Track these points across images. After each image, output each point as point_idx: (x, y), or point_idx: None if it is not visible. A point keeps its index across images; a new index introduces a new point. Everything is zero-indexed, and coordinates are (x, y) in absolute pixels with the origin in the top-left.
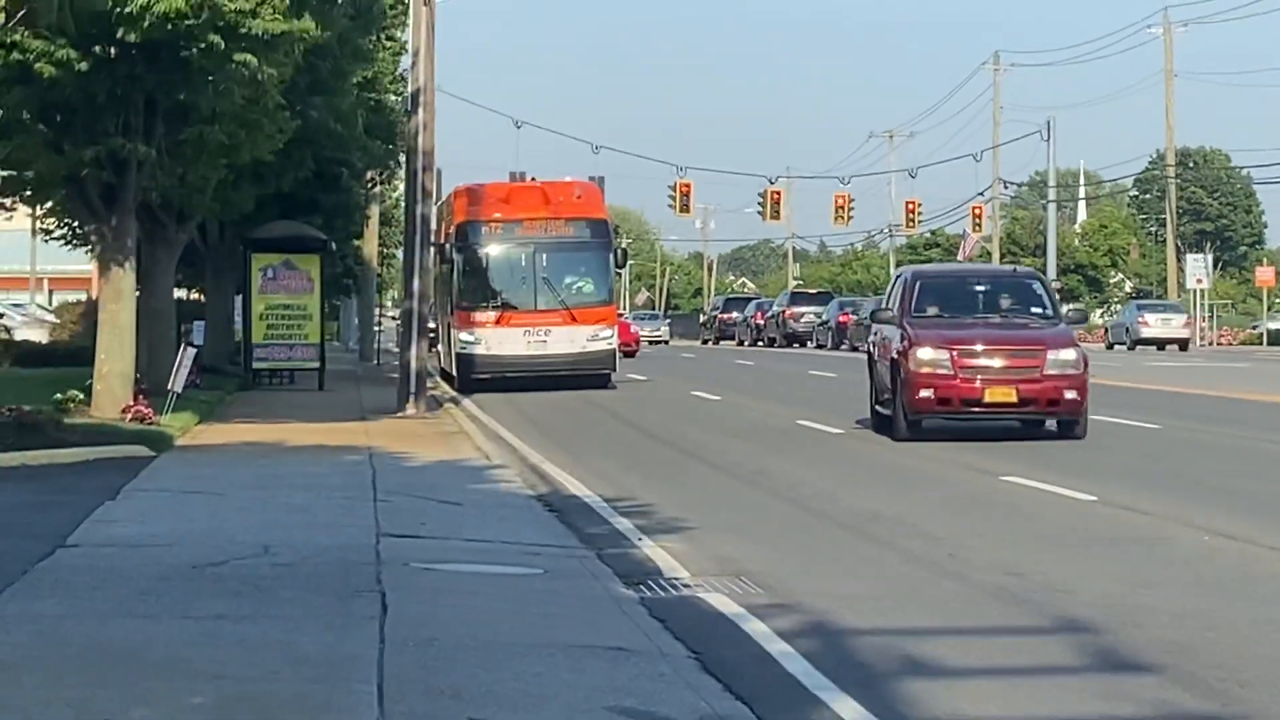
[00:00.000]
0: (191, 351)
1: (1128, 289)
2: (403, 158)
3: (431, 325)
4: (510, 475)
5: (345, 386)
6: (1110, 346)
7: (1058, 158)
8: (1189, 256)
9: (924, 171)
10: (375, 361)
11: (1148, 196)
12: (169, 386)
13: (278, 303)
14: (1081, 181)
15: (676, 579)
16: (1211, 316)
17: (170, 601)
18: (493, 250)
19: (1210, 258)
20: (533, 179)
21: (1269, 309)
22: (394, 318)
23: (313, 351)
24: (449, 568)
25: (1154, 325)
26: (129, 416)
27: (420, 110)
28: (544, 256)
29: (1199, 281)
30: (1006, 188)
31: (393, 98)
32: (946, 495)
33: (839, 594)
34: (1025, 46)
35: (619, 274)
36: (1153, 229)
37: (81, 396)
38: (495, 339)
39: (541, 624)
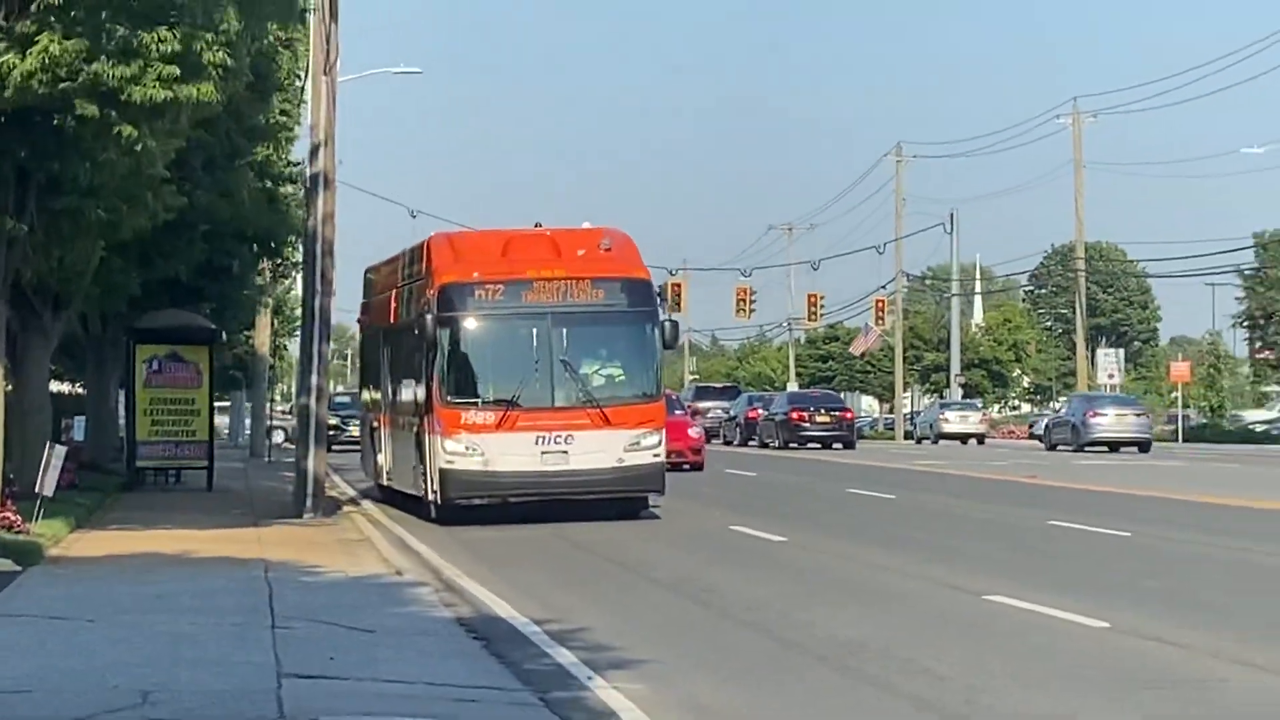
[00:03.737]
0: (62, 450)
1: (1025, 385)
2: (299, 245)
3: (374, 424)
4: (425, 593)
5: (236, 487)
6: (1053, 447)
7: (960, 251)
8: (1101, 351)
9: (827, 264)
10: (267, 459)
11: (1043, 291)
12: (36, 489)
13: (164, 397)
14: (978, 276)
15: None
16: None
17: None
18: (491, 323)
19: (1121, 353)
20: (538, 224)
21: (1184, 403)
22: (285, 413)
23: (201, 449)
24: None
25: (1109, 421)
26: None
27: (321, 190)
28: (563, 332)
29: (1111, 376)
30: (910, 280)
31: (289, 186)
32: (928, 617)
33: None
34: (929, 138)
35: (667, 354)
36: (1048, 324)
37: None
38: (496, 449)
39: None
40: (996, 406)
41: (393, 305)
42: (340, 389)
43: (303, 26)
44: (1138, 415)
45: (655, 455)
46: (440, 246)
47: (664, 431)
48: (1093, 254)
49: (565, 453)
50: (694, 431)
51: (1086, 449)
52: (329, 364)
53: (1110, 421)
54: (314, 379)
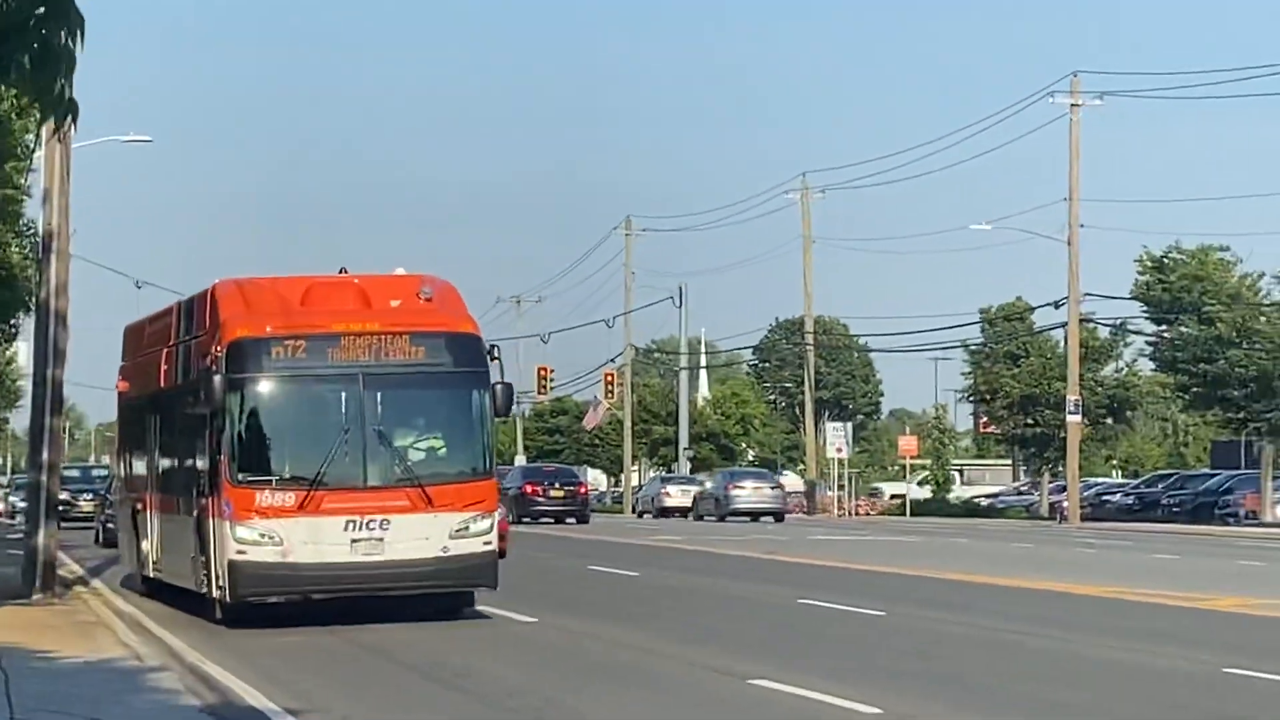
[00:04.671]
0: None
1: (750, 458)
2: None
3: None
4: (169, 680)
5: None
6: (700, 518)
7: (690, 324)
8: (829, 425)
9: (557, 337)
10: None
11: (767, 365)
12: None
13: None
14: (703, 349)
15: None
16: (851, 484)
17: None
18: (290, 386)
19: (850, 426)
20: (342, 270)
21: (908, 476)
22: (4, 486)
23: None
24: None
25: (747, 493)
26: None
27: (53, 260)
28: (377, 396)
29: (839, 450)
30: (639, 353)
31: (17, 255)
32: (698, 703)
33: None
34: (659, 211)
35: (501, 423)
36: (772, 397)
37: None
38: (297, 536)
39: None
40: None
41: (163, 367)
42: (69, 462)
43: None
44: (772, 488)
45: (486, 543)
46: (228, 295)
47: (496, 515)
48: (817, 328)
49: (380, 540)
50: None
51: (728, 518)
52: (62, 437)
53: (748, 494)
54: (44, 453)
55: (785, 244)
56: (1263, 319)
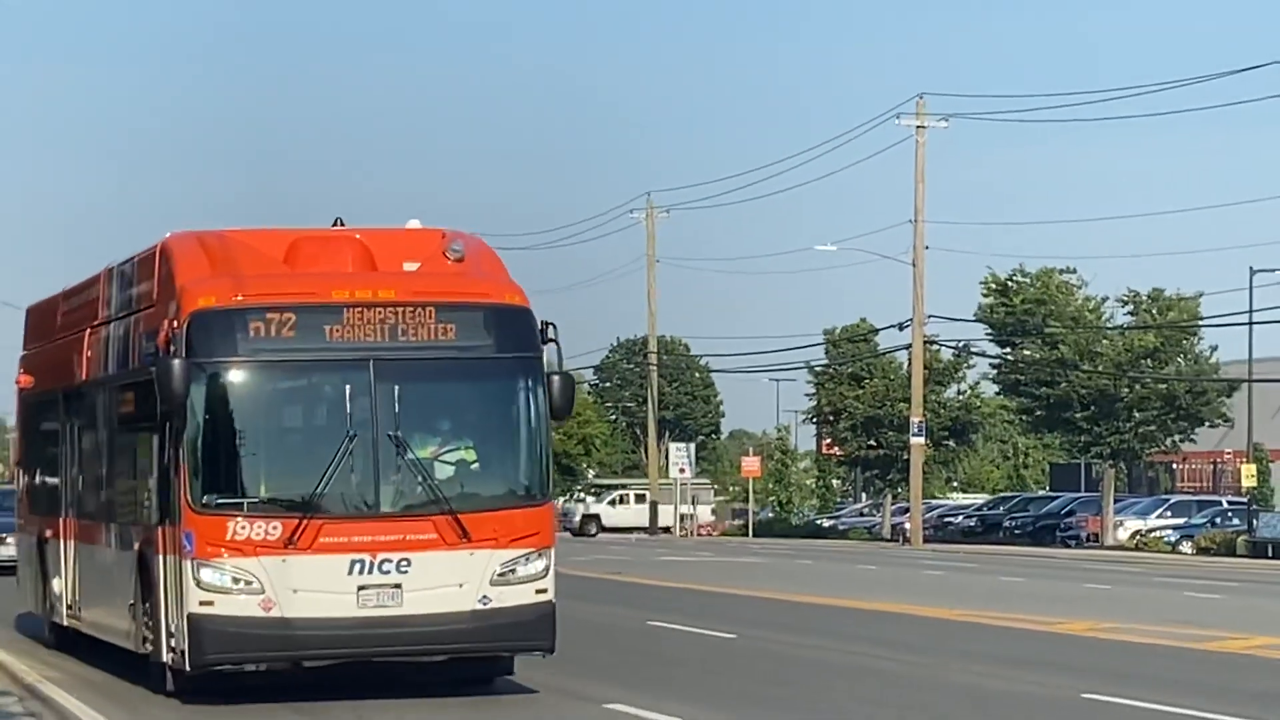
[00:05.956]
0: None
1: (591, 476)
2: None
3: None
4: (9, 704)
5: None
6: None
7: None
8: (672, 446)
9: None
10: None
11: (607, 385)
12: None
13: None
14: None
15: None
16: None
17: None
18: (275, 376)
19: (693, 447)
20: (338, 220)
21: (752, 499)
22: None
23: None
24: None
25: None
26: None
27: None
28: (394, 391)
29: (682, 470)
30: None
31: None
32: None
33: None
34: (510, 230)
35: (556, 428)
36: (613, 417)
37: None
38: (285, 581)
39: None
40: (563, 499)
41: (86, 353)
42: None
43: None
44: None
45: (540, 591)
46: (186, 253)
47: (552, 553)
48: (659, 348)
49: (398, 588)
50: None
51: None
52: None
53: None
54: None
55: (629, 264)
56: (1105, 341)
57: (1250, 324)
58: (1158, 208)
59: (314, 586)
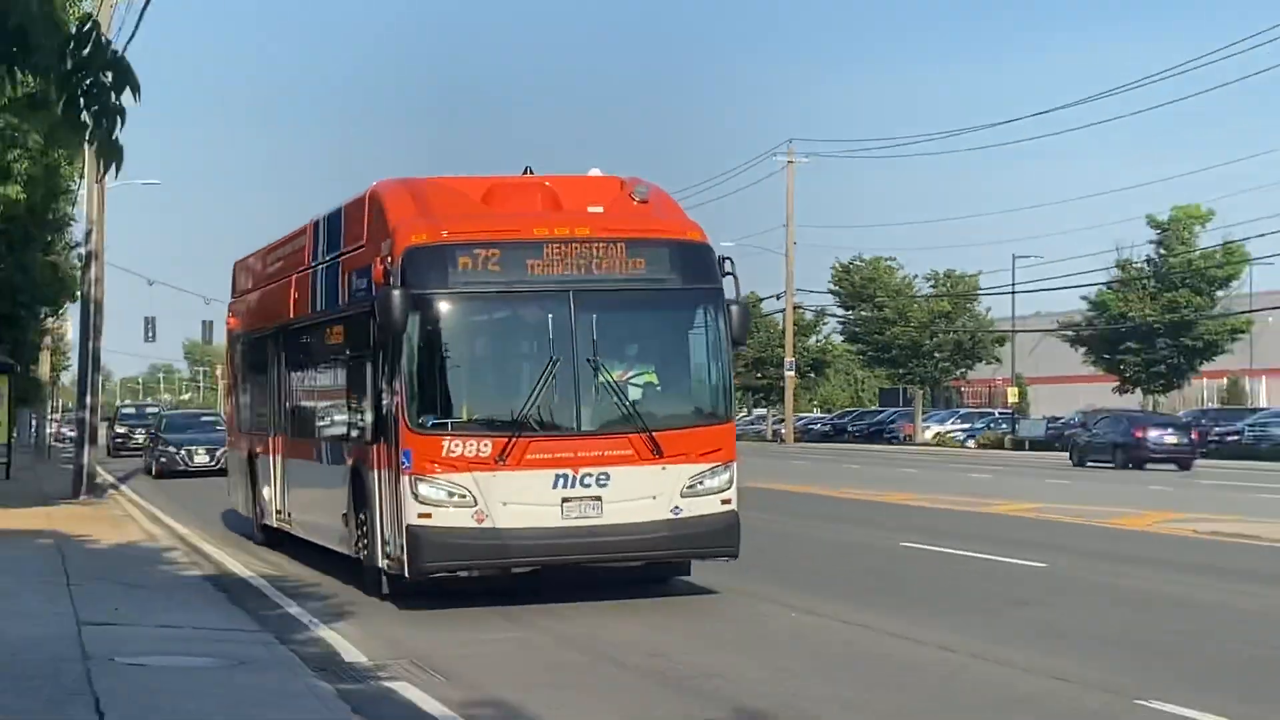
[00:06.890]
0: None
1: None
2: (76, 303)
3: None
4: (179, 557)
5: (26, 477)
6: None
7: None
8: None
9: None
10: (47, 457)
11: None
12: None
13: None
14: None
15: (357, 665)
16: None
17: None
18: (484, 306)
19: None
20: (527, 169)
21: None
22: (55, 420)
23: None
24: (152, 661)
25: None
26: None
27: (93, 265)
28: (592, 319)
29: None
30: None
31: (64, 260)
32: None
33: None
34: None
35: (740, 352)
36: None
37: None
38: (495, 494)
39: None
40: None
41: (293, 294)
42: (127, 402)
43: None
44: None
45: (725, 501)
46: (396, 196)
47: (735, 466)
48: None
49: (599, 499)
50: None
51: None
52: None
53: None
54: (88, 398)
55: None
56: (915, 306)
57: (1013, 293)
58: (951, 214)
59: (522, 499)
